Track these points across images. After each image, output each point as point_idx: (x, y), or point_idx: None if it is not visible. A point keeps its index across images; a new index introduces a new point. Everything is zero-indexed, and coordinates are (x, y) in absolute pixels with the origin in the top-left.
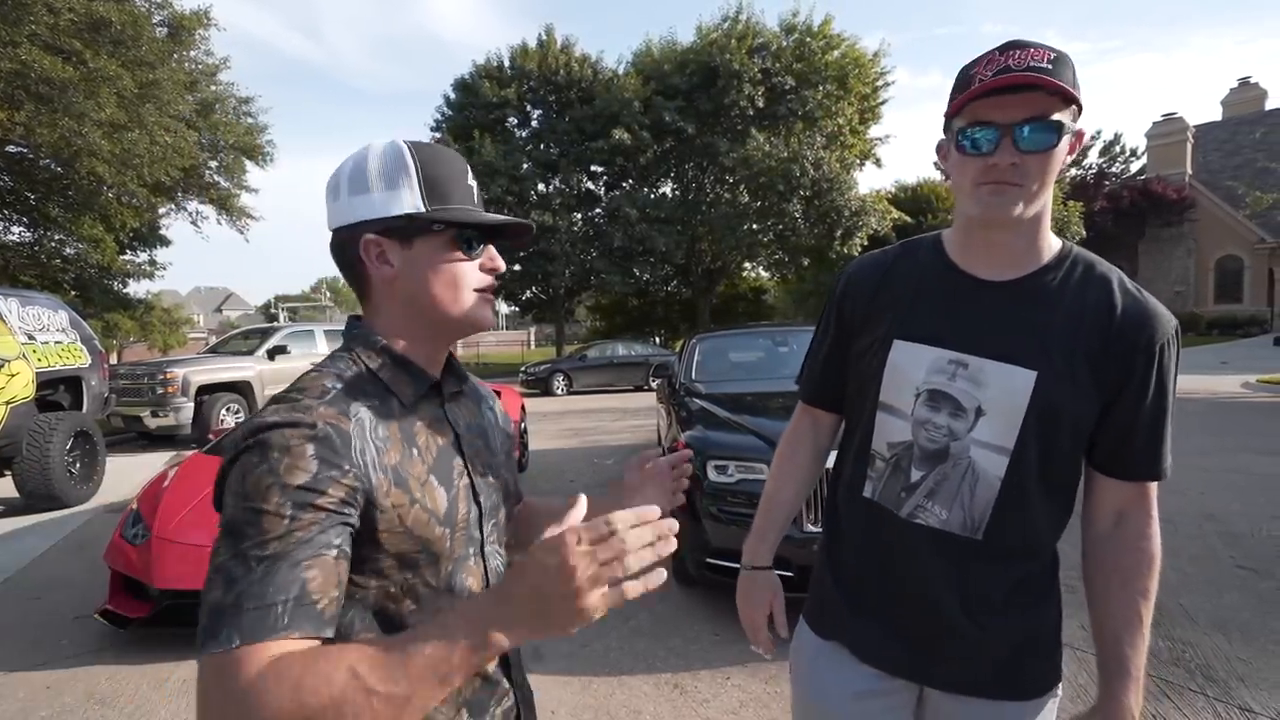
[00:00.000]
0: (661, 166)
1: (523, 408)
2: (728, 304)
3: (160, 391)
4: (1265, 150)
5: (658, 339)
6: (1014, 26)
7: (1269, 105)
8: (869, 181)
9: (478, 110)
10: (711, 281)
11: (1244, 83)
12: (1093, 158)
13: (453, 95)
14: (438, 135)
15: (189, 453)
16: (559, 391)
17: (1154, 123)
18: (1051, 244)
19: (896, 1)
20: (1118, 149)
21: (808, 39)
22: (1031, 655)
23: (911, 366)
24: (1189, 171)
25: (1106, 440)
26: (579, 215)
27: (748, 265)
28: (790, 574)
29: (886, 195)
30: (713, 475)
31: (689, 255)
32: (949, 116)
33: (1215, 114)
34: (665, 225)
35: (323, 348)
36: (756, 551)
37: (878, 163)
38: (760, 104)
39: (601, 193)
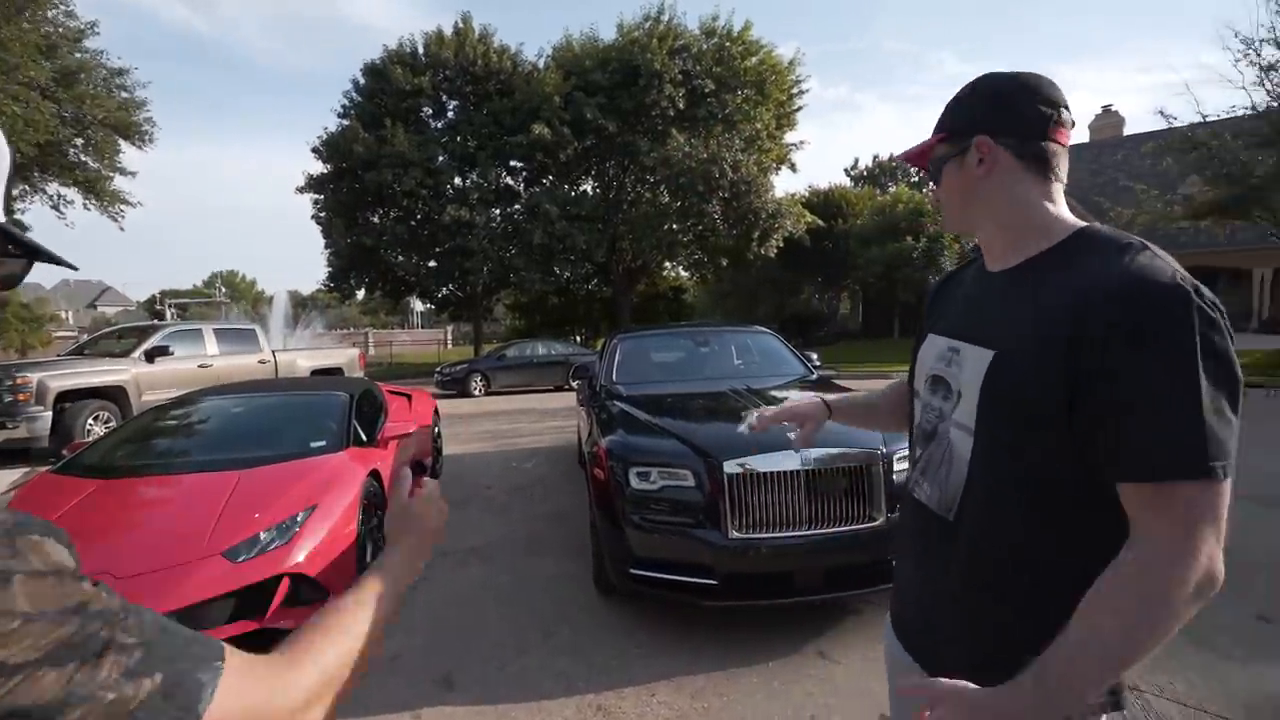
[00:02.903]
0: (582, 164)
1: (436, 411)
2: (648, 303)
3: (9, 399)
4: (1125, 170)
5: (579, 338)
6: (913, 46)
7: (1127, 131)
8: (784, 185)
9: (389, 98)
10: (632, 280)
11: (1106, 110)
12: None
13: (362, 80)
14: (346, 122)
15: (43, 469)
16: (476, 392)
17: None
18: (1058, 229)
19: (809, 16)
20: None
21: (727, 44)
22: (996, 669)
23: (927, 355)
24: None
25: (1091, 432)
26: (497, 211)
27: (668, 265)
28: (714, 582)
29: (801, 199)
30: (635, 482)
31: (610, 254)
32: None
33: (1083, 137)
34: (586, 223)
35: (212, 349)
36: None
37: (793, 167)
38: (681, 105)
39: (521, 189)
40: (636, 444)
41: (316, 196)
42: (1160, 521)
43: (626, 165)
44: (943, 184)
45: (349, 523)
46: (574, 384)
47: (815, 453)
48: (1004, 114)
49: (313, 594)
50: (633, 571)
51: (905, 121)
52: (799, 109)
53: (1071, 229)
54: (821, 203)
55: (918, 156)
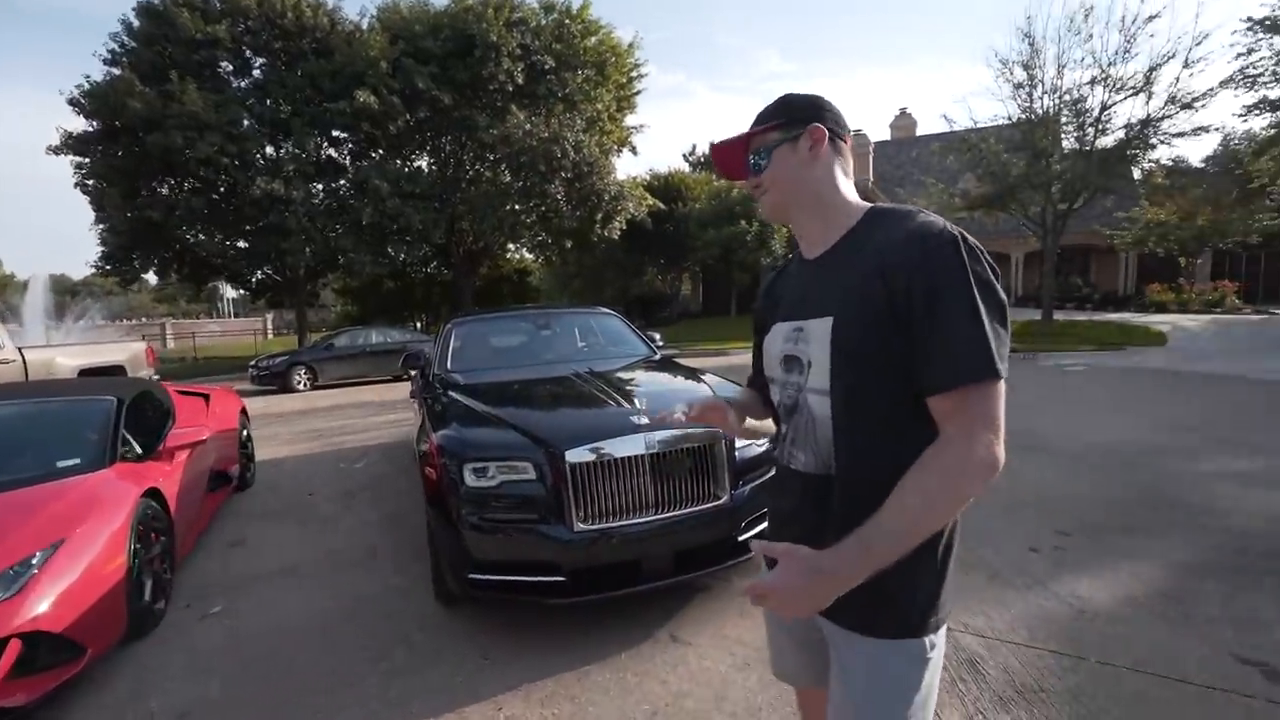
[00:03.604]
0: (416, 137)
1: (243, 411)
2: (492, 286)
3: None
4: (919, 167)
5: (419, 324)
6: (740, 41)
7: (920, 131)
8: (625, 168)
9: (177, 47)
10: (474, 263)
11: (903, 112)
12: None
13: (136, 23)
14: (116, 71)
15: None
16: (301, 386)
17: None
18: (855, 213)
19: (648, 4)
20: None
21: (567, 20)
22: (876, 593)
23: (775, 341)
24: (871, 178)
25: (911, 362)
26: (320, 186)
27: (511, 246)
28: (561, 578)
29: (642, 182)
30: (471, 480)
31: (449, 235)
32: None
33: (885, 134)
34: (421, 202)
35: None
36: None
37: (633, 150)
38: (520, 81)
39: (347, 162)
40: (471, 437)
41: (80, 159)
42: (954, 423)
43: (464, 141)
44: (771, 170)
45: (114, 557)
46: (412, 373)
47: (660, 435)
48: (825, 113)
49: (61, 653)
50: (473, 577)
51: (733, 112)
52: (638, 92)
53: (865, 209)
54: (662, 186)
55: (735, 147)
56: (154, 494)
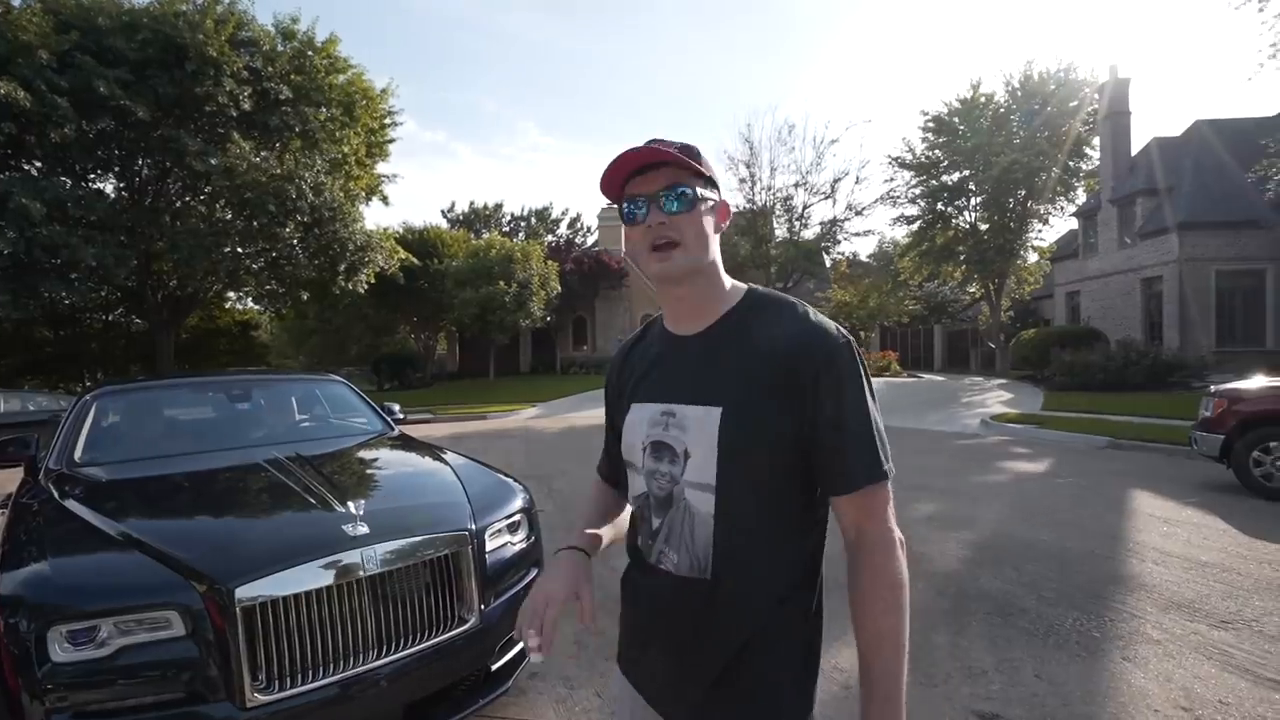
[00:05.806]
0: (98, 153)
1: None
2: (204, 340)
3: None
4: None
5: (91, 384)
6: (508, 110)
7: None
8: (376, 218)
9: None
10: (178, 312)
11: None
12: (563, 230)
13: None
14: None
15: None
16: None
17: (601, 209)
18: (733, 292)
19: (413, 58)
20: (580, 225)
21: (309, 52)
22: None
23: (638, 424)
24: (624, 249)
25: (807, 460)
26: None
27: (232, 295)
28: None
29: (395, 235)
30: (61, 652)
31: (143, 276)
32: (617, 204)
33: None
34: (100, 233)
35: None
36: (573, 535)
37: (384, 200)
38: (246, 107)
39: None
40: (69, 578)
41: None
42: (871, 521)
43: (169, 166)
44: (688, 222)
45: None
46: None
47: (385, 546)
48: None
49: None
50: None
51: (498, 177)
52: (391, 140)
53: (744, 289)
54: (417, 240)
55: (666, 174)
56: None
